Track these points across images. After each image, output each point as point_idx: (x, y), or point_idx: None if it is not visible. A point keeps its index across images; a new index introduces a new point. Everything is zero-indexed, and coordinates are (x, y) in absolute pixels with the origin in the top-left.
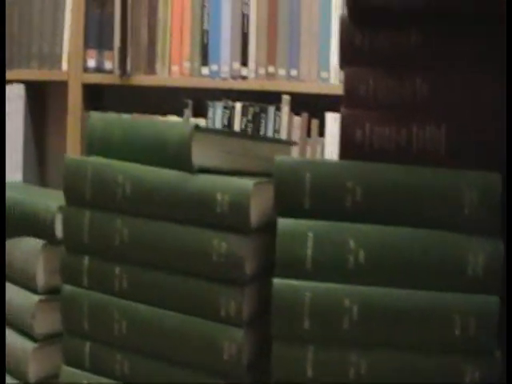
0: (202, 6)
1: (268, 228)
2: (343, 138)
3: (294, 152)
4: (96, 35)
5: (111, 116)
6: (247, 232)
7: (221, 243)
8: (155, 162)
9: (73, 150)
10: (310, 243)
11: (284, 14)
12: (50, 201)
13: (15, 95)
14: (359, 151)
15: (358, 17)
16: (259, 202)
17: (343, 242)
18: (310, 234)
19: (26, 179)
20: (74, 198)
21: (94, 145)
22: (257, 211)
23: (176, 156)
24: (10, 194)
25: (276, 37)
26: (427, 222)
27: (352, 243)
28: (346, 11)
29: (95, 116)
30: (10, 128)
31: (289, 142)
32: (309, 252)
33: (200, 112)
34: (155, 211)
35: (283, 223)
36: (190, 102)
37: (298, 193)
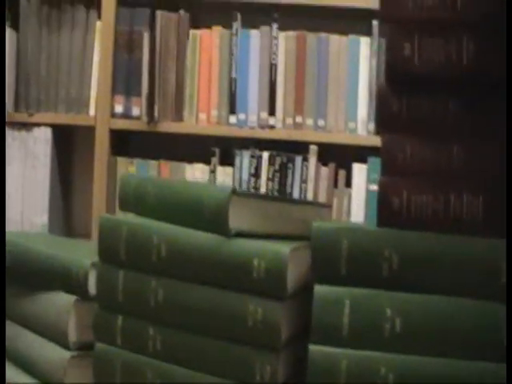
0: (231, 55)
1: (304, 292)
2: (381, 205)
3: (321, 200)
4: (124, 81)
5: (144, 175)
6: (283, 298)
7: (257, 308)
8: (191, 223)
9: (99, 194)
10: (346, 310)
11: (312, 64)
12: (83, 256)
13: (42, 139)
14: (396, 219)
15: (395, 84)
16: (296, 267)
17: (380, 309)
18: (347, 302)
19: (51, 222)
20: (109, 256)
21: (127, 202)
22: (293, 276)
23: (212, 219)
24: (40, 247)
25: (304, 87)
26: (464, 290)
27: (388, 311)
28: (383, 78)
29: (128, 174)
30: (36, 171)
31: (324, 205)
32: (345, 319)
33: (227, 160)
34: (191, 274)
35: (320, 290)
36: (217, 151)
37: (334, 259)
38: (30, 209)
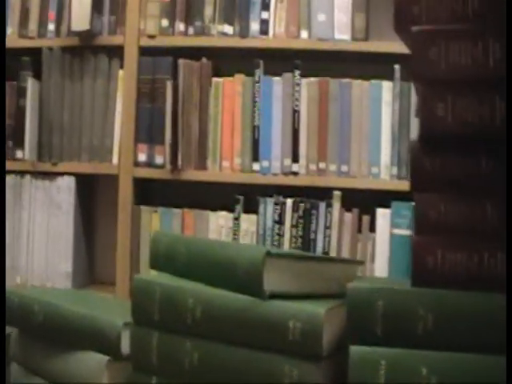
0: (253, 102)
1: (340, 352)
2: (415, 264)
3: (345, 246)
4: (147, 129)
5: (175, 233)
6: (319, 359)
7: (292, 370)
8: (224, 284)
9: (123, 243)
10: (382, 371)
11: (334, 109)
12: (115, 315)
13: (66, 188)
14: (430, 278)
15: (428, 142)
16: (331, 327)
17: (415, 369)
18: (383, 362)
19: (75, 271)
20: (143, 317)
21: (158, 261)
22: (329, 337)
23: (247, 281)
24: (72, 306)
25: (326, 132)
26: (499, 349)
27: (424, 370)
28: (416, 136)
29: (159, 232)
30: (60, 220)
31: (357, 262)
32: (381, 380)
33: (251, 208)
34: (226, 336)
35: (355, 351)
36: (240, 198)
37: (370, 320)
38: (54, 257)
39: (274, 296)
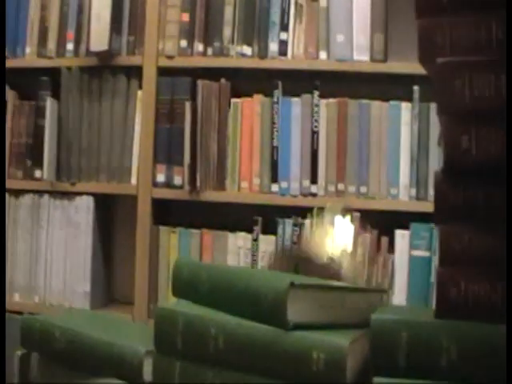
0: (272, 123)
1: (364, 383)
2: (438, 296)
3: (363, 269)
4: (165, 150)
5: (197, 261)
6: None
7: None
8: (247, 314)
9: (141, 263)
10: None
11: (353, 130)
12: (136, 342)
13: (84, 208)
14: (454, 309)
15: (452, 174)
16: (355, 358)
17: None
18: None
19: (93, 290)
20: (165, 346)
21: (180, 288)
22: (352, 368)
23: (270, 311)
24: (92, 333)
25: (345, 153)
26: None
27: None
28: (439, 167)
29: (181, 259)
30: (78, 239)
31: (380, 291)
32: None
33: (269, 229)
34: (249, 366)
35: (379, 382)
36: (259, 219)
37: (393, 351)
38: (73, 277)
39: (298, 326)
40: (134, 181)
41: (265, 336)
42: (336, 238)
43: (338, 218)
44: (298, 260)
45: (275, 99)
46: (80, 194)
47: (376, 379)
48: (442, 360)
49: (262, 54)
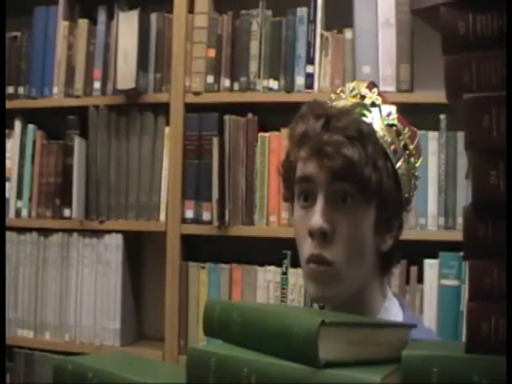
0: None
1: None
2: (469, 331)
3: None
4: (194, 186)
5: (228, 300)
6: None
7: None
8: (279, 353)
9: (171, 299)
10: None
11: None
12: (169, 383)
13: (113, 245)
14: (485, 344)
15: (482, 209)
16: None
17: None
18: None
19: (123, 327)
20: None
21: (211, 328)
22: None
23: (302, 350)
24: (125, 375)
25: None
26: None
27: None
28: (468, 203)
29: (212, 299)
30: (108, 277)
31: (409, 326)
32: None
33: (298, 262)
34: None
35: None
36: (288, 253)
37: None
38: (103, 315)
39: (329, 364)
40: (162, 217)
41: (297, 374)
42: None
43: None
44: None
45: None
46: (109, 231)
47: None
48: None
49: (289, 87)
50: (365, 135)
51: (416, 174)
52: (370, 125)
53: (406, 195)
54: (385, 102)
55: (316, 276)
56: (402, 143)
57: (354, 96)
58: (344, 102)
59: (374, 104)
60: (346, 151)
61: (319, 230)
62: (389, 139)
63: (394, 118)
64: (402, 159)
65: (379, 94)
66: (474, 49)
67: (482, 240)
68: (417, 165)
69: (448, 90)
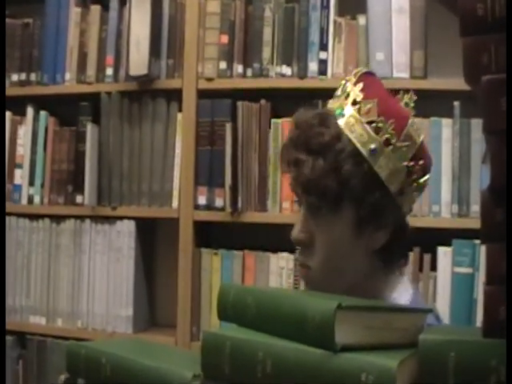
0: None
1: None
2: (486, 315)
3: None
4: (206, 172)
5: (242, 284)
6: None
7: None
8: (294, 337)
9: (184, 286)
10: None
11: None
12: (183, 367)
13: (126, 232)
14: (503, 329)
15: (499, 193)
16: (403, 379)
17: None
18: None
19: (136, 314)
20: (213, 371)
21: (226, 312)
22: None
23: (318, 334)
24: (139, 358)
25: None
26: None
27: None
28: (486, 187)
29: (226, 284)
30: (121, 264)
31: (424, 310)
32: None
33: None
34: None
35: None
36: None
37: (442, 372)
38: (115, 301)
39: (346, 348)
40: (175, 204)
41: (313, 358)
42: None
43: None
44: None
45: None
46: (121, 218)
47: None
48: (491, 380)
49: (302, 73)
50: (326, 147)
51: (408, 165)
52: (334, 133)
53: (396, 189)
54: (368, 96)
55: (302, 278)
56: (384, 139)
57: (342, 95)
58: (334, 103)
59: (354, 102)
60: (304, 169)
61: (295, 240)
62: (365, 138)
63: (373, 114)
64: (382, 156)
65: (364, 87)
66: (492, 30)
67: (499, 224)
68: (409, 155)
69: (466, 72)
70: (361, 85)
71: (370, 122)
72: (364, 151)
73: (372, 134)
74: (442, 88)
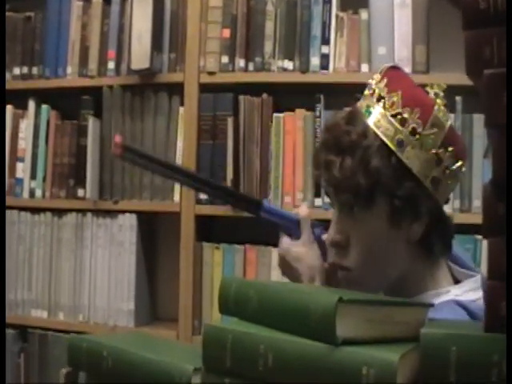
0: (314, 137)
1: None
2: (488, 310)
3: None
4: (208, 166)
5: (244, 278)
6: None
7: None
8: (296, 330)
9: (185, 280)
10: None
11: None
12: (184, 360)
13: (127, 226)
14: (505, 324)
15: (501, 187)
16: (404, 373)
17: None
18: None
19: (137, 308)
20: (214, 364)
21: (227, 306)
22: (402, 383)
23: (319, 327)
24: (141, 352)
25: None
26: None
27: None
28: (489, 181)
29: (228, 277)
30: (122, 257)
31: (427, 305)
32: None
33: None
34: (298, 383)
35: None
36: None
37: (443, 366)
38: (117, 295)
39: (347, 342)
40: (176, 198)
41: (314, 352)
42: None
43: None
44: None
45: (317, 113)
46: (123, 212)
47: None
48: (493, 375)
49: (304, 68)
50: (353, 145)
51: (438, 152)
52: (360, 131)
53: (428, 179)
54: (391, 90)
55: (342, 281)
56: (409, 129)
57: (368, 93)
58: (362, 103)
59: (379, 98)
60: (333, 170)
61: (331, 243)
62: (392, 131)
63: (397, 107)
64: (409, 146)
65: (387, 82)
66: (494, 24)
67: (501, 218)
68: (438, 142)
69: (468, 65)
70: (385, 80)
71: (395, 115)
72: (391, 144)
73: (398, 126)
74: (444, 83)
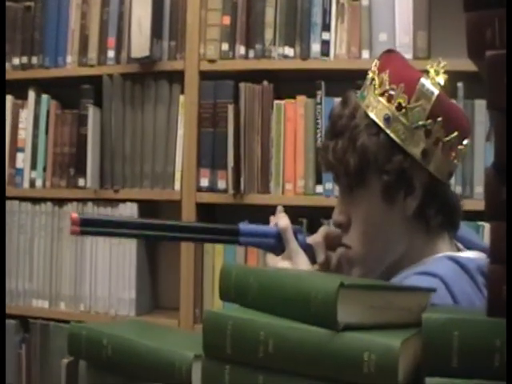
0: (315, 124)
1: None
2: (491, 294)
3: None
4: (209, 154)
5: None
6: None
7: None
8: (296, 316)
9: (186, 269)
10: None
11: None
12: (185, 348)
13: (128, 214)
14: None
15: (504, 170)
16: (406, 358)
17: None
18: None
19: (138, 297)
20: (214, 351)
21: (228, 293)
22: (404, 369)
23: (320, 313)
24: (141, 340)
25: None
26: None
27: None
28: (490, 164)
29: (228, 264)
30: (123, 247)
31: (428, 290)
32: None
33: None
34: (299, 369)
35: (431, 383)
36: (304, 221)
37: (446, 351)
38: (118, 284)
39: (348, 327)
40: (177, 186)
41: (315, 338)
42: None
43: None
44: None
45: (318, 100)
46: (124, 201)
47: (428, 379)
48: (495, 359)
49: (304, 54)
50: (344, 127)
51: (425, 123)
52: (349, 113)
53: (418, 152)
54: (381, 71)
55: (342, 260)
56: (396, 104)
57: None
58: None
59: (372, 80)
60: (328, 154)
61: (335, 223)
62: (379, 110)
63: (385, 85)
64: (396, 121)
65: (379, 64)
66: (496, 5)
67: (504, 202)
68: (425, 113)
69: (469, 47)
70: (377, 63)
71: (382, 93)
72: (379, 121)
73: (385, 103)
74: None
